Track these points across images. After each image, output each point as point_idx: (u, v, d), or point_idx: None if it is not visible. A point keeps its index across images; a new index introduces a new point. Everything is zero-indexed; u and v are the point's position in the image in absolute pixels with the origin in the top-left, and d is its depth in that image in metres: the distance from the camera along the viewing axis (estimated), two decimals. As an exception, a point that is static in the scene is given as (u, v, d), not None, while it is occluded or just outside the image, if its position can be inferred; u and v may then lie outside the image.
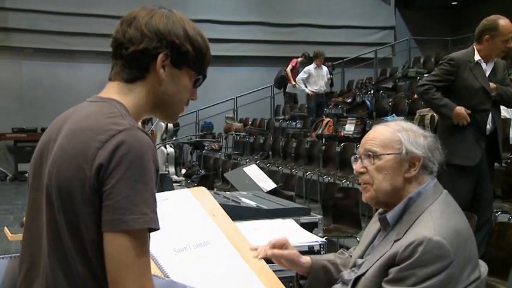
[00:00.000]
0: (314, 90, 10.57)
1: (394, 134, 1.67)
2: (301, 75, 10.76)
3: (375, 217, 1.80)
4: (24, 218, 1.30)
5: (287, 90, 12.34)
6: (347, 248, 2.02)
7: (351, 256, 1.86)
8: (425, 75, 8.30)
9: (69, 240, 1.16)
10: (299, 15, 14.01)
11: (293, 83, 11.54)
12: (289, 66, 11.82)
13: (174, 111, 1.35)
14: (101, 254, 1.14)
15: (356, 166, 1.72)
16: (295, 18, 14.03)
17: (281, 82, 12.32)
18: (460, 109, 3.82)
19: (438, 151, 1.69)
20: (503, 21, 3.88)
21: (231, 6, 13.74)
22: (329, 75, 10.85)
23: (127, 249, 1.11)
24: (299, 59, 11.79)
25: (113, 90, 1.28)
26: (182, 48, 1.28)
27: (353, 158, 1.76)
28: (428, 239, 1.49)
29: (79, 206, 1.14)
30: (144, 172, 1.13)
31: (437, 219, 1.56)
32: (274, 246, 1.77)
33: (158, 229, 1.16)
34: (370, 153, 1.67)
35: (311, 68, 10.67)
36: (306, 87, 10.70)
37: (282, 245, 1.78)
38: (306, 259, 1.81)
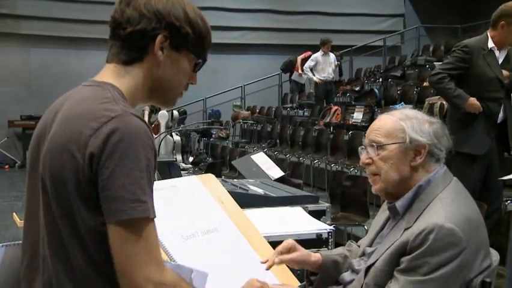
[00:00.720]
0: (322, 78, 10.37)
1: (397, 123, 1.66)
2: (309, 63, 10.57)
3: (384, 206, 1.78)
4: (25, 206, 1.28)
5: (293, 78, 12.22)
6: (355, 237, 2.02)
7: (359, 246, 1.85)
8: (435, 63, 8.23)
9: (65, 229, 1.14)
10: (307, 2, 13.91)
11: (300, 71, 11.43)
12: (302, 56, 11.61)
13: (172, 96, 1.31)
14: (99, 241, 1.12)
15: (362, 157, 1.71)
16: (304, 6, 13.93)
17: (287, 67, 12.17)
18: (473, 100, 3.77)
19: (445, 137, 1.67)
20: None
21: (239, -7, 13.67)
22: (336, 62, 10.65)
23: (129, 239, 1.09)
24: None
25: (109, 73, 1.25)
26: (182, 31, 1.24)
27: (359, 149, 1.75)
28: (440, 226, 1.47)
29: (73, 194, 1.12)
30: (138, 159, 1.10)
31: (448, 206, 1.54)
32: (281, 252, 1.72)
33: (154, 217, 1.13)
34: (374, 143, 1.66)
35: (318, 55, 10.46)
36: (314, 75, 10.51)
37: (289, 249, 1.73)
38: (317, 256, 1.78)
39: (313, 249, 2.05)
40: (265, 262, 1.69)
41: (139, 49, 1.24)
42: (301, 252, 1.75)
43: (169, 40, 1.24)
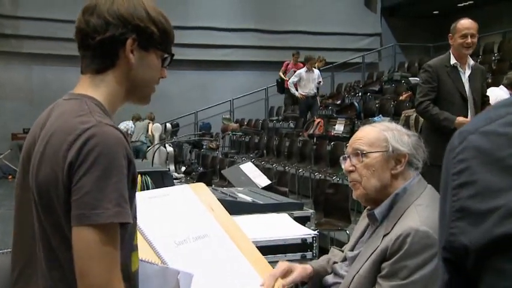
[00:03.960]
0: (304, 94, 10.12)
1: (380, 133, 1.66)
2: (293, 78, 10.30)
3: (365, 213, 1.78)
4: (14, 216, 1.24)
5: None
6: (337, 241, 2.01)
7: (343, 251, 1.84)
8: (410, 78, 8.28)
9: (55, 238, 1.12)
10: (291, 22, 14.00)
11: (286, 79, 11.17)
12: (282, 70, 11.57)
13: (147, 93, 1.28)
14: None
15: (345, 165, 1.70)
16: (288, 26, 14.02)
17: (280, 86, 11.90)
18: (461, 119, 3.65)
19: (421, 149, 1.68)
20: (463, 20, 3.81)
21: (229, 14, 13.72)
22: (320, 79, 10.41)
23: (92, 243, 1.06)
24: (291, 61, 11.49)
25: (85, 84, 1.22)
26: (148, 30, 1.21)
27: (341, 158, 1.75)
28: (415, 230, 1.47)
29: (58, 206, 1.10)
30: (109, 167, 1.07)
31: (422, 212, 1.54)
32: (279, 276, 1.66)
33: (128, 222, 1.10)
34: (358, 151, 1.66)
35: (302, 71, 10.22)
36: (296, 90, 10.26)
37: (287, 272, 1.68)
38: (309, 268, 1.75)
39: (298, 253, 2.05)
40: (262, 286, 1.62)
41: (110, 55, 1.20)
42: (298, 270, 1.70)
43: (137, 42, 1.21)
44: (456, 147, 0.64)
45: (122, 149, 1.11)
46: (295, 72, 10.68)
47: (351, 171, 1.68)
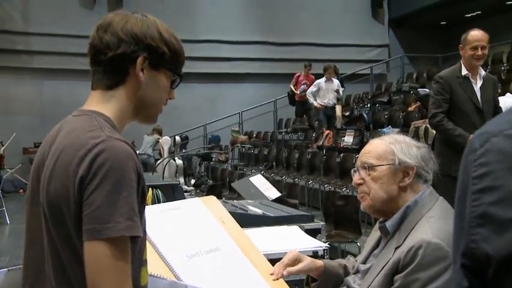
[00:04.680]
0: (322, 104, 9.72)
1: (387, 146, 1.67)
2: (311, 88, 9.95)
3: (377, 225, 1.78)
4: (25, 233, 1.25)
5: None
6: (348, 253, 2.01)
7: (356, 261, 1.84)
8: (419, 89, 8.27)
9: (65, 254, 1.12)
10: (299, 34, 14.04)
11: (297, 93, 11.10)
12: (292, 82, 11.45)
13: (154, 112, 1.30)
14: None
15: (355, 178, 1.72)
16: (296, 38, 14.06)
17: (291, 98, 11.65)
18: None
19: (432, 161, 1.68)
20: (473, 31, 3.80)
21: (236, 27, 13.79)
22: (341, 88, 9.88)
23: (103, 257, 1.07)
24: (302, 73, 11.33)
25: (95, 100, 1.24)
26: (159, 50, 1.23)
27: (352, 171, 1.77)
28: (427, 242, 1.47)
29: (70, 221, 1.11)
30: (119, 181, 1.08)
31: (434, 224, 1.54)
32: (287, 264, 1.71)
33: (138, 236, 1.11)
34: (366, 165, 1.67)
35: (321, 81, 9.81)
36: (315, 100, 9.86)
37: (295, 260, 1.73)
38: (320, 263, 1.78)
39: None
40: (272, 274, 1.68)
41: (121, 72, 1.22)
42: (307, 261, 1.75)
43: (148, 60, 1.23)
44: (477, 149, 0.61)
45: (132, 162, 1.12)
46: (306, 85, 10.59)
47: (360, 184, 1.70)
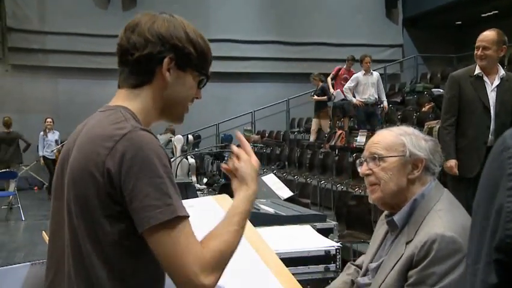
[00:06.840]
0: (362, 100, 8.63)
1: (398, 138, 1.65)
2: (349, 84, 8.86)
3: (381, 221, 1.76)
4: (49, 227, 1.28)
5: (335, 101, 9.95)
6: (360, 253, 1.99)
7: (357, 266, 1.82)
8: (433, 89, 8.20)
9: (88, 245, 1.14)
10: (313, 34, 14.00)
11: (332, 91, 9.84)
12: (331, 74, 10.12)
13: (181, 112, 1.31)
14: (122, 255, 1.12)
15: (362, 169, 1.69)
16: (309, 38, 14.02)
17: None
18: (451, 165, 3.74)
19: (438, 154, 1.67)
20: (485, 31, 3.84)
21: (250, 26, 13.80)
22: (380, 81, 8.80)
23: (166, 242, 1.08)
24: (344, 66, 10.06)
25: (121, 97, 1.26)
26: (185, 51, 1.24)
27: (358, 161, 1.74)
28: (441, 236, 1.46)
29: (96, 210, 1.12)
30: (156, 167, 1.10)
31: (444, 217, 1.53)
32: None
33: (188, 216, 1.13)
34: (376, 155, 1.65)
35: (359, 75, 8.73)
36: (354, 96, 8.77)
37: None
38: None
39: (321, 265, 2.04)
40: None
41: (147, 72, 1.23)
42: None
43: (175, 61, 1.23)
44: (511, 147, 0.61)
45: (160, 148, 1.14)
46: (346, 80, 9.42)
47: (368, 175, 1.67)
